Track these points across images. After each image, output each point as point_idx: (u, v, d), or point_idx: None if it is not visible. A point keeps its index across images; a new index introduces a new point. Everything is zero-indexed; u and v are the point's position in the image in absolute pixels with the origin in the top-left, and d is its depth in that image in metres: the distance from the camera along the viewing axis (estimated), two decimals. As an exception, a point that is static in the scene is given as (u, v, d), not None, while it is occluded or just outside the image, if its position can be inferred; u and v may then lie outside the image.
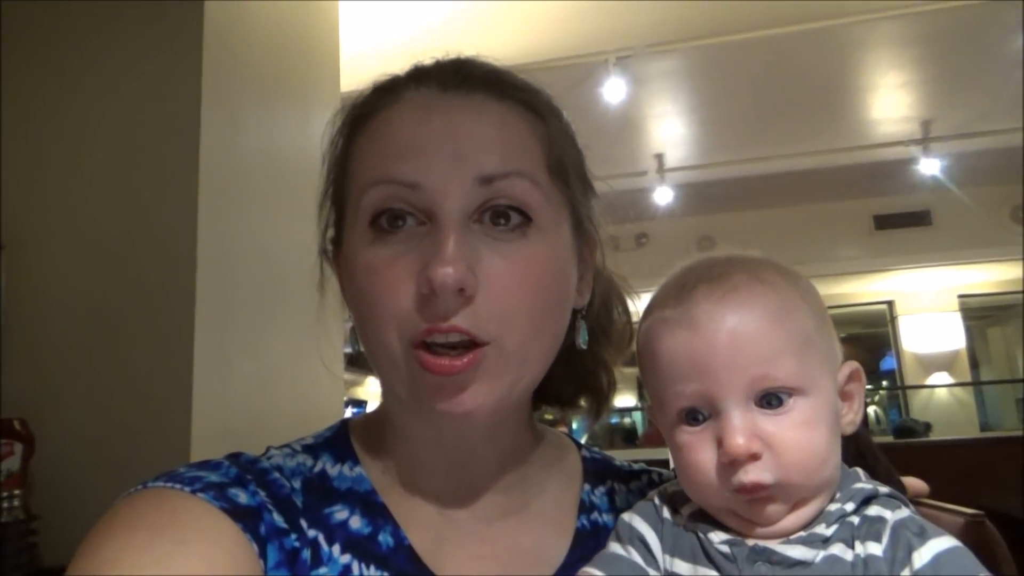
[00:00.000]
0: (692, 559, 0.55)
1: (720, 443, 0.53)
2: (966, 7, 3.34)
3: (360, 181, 0.57)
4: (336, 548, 0.56)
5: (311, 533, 0.56)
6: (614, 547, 0.58)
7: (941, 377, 7.15)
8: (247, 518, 0.52)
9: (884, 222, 6.52)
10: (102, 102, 1.66)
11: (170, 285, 1.52)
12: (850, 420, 0.59)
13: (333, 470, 0.61)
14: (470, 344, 0.53)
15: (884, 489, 0.56)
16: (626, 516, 0.60)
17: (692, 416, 0.56)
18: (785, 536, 0.54)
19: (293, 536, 0.54)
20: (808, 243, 6.20)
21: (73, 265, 1.59)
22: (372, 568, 0.56)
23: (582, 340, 0.65)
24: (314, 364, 1.97)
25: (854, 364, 0.59)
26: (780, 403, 0.54)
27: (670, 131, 5.14)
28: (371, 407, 0.72)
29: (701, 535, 0.56)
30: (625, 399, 9.28)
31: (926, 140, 5.13)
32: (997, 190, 5.99)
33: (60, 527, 1.36)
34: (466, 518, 0.62)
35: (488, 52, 0.64)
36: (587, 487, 0.68)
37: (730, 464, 0.53)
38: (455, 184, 0.54)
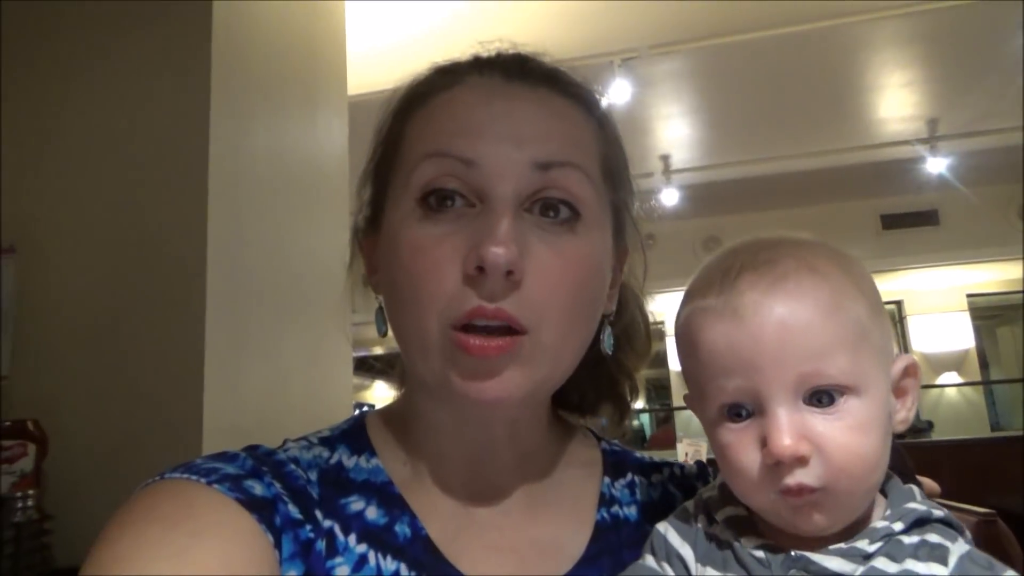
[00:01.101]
0: (723, 567, 0.53)
1: (765, 442, 0.50)
2: (971, 6, 3.33)
3: (413, 155, 0.57)
4: (352, 538, 0.56)
5: (326, 524, 0.56)
6: (649, 561, 0.56)
7: (950, 377, 7.11)
8: (262, 509, 0.52)
9: (891, 222, 6.49)
10: (112, 104, 1.66)
11: (181, 286, 1.53)
12: (903, 418, 0.55)
13: (349, 462, 0.61)
14: (508, 331, 0.53)
15: (939, 512, 0.52)
16: (661, 528, 0.57)
17: (735, 412, 0.52)
18: (823, 543, 0.51)
19: (308, 527, 0.55)
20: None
21: (84, 267, 1.59)
22: (388, 558, 0.56)
23: (607, 345, 0.64)
24: (324, 365, 1.98)
25: (909, 358, 0.55)
26: (831, 402, 0.50)
27: (676, 132, 5.13)
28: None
29: (735, 542, 0.53)
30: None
31: (932, 139, 5.11)
32: (1005, 189, 5.96)
33: (73, 527, 1.37)
34: (484, 510, 0.61)
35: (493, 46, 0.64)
36: (607, 480, 0.67)
37: (775, 465, 0.49)
38: (511, 166, 0.54)
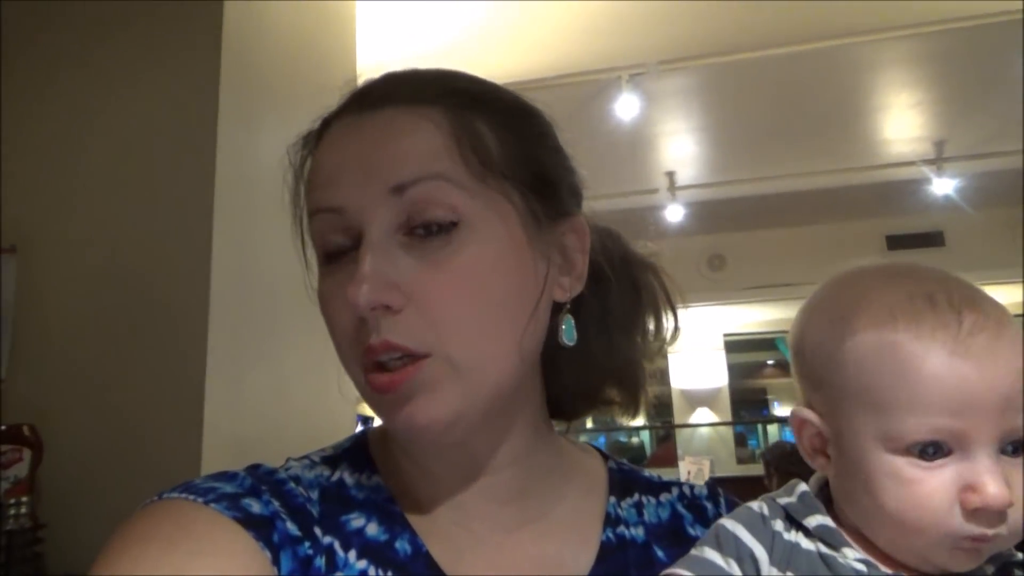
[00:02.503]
0: (811, 573, 0.52)
1: (968, 487, 0.49)
2: (980, 26, 3.32)
3: (308, 215, 0.59)
4: (352, 554, 0.56)
5: (326, 540, 0.56)
6: (711, 555, 0.54)
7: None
8: (260, 527, 0.52)
9: (896, 242, 6.48)
10: (118, 105, 1.66)
11: (183, 292, 1.52)
12: None
13: (351, 479, 0.61)
14: (410, 359, 0.52)
15: (1019, 556, 0.54)
16: (728, 524, 0.56)
17: (926, 450, 0.50)
18: (919, 568, 0.52)
19: (307, 544, 0.54)
20: (820, 263, 6.16)
21: (85, 270, 1.58)
22: (389, 574, 0.55)
23: (567, 336, 0.62)
24: (326, 375, 1.96)
25: None
26: (1015, 452, 0.51)
27: (682, 149, 5.13)
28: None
29: (827, 551, 0.52)
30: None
31: (939, 160, 5.11)
32: (1011, 211, 5.94)
33: (67, 536, 1.35)
34: (484, 528, 0.60)
35: (502, 68, 0.64)
36: (613, 499, 0.66)
37: (973, 512, 0.49)
38: (370, 200, 0.54)
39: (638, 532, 0.64)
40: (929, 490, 0.50)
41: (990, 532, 0.49)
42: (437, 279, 0.53)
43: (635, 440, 9.01)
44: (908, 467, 0.51)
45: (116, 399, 1.50)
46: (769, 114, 4.52)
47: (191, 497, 0.52)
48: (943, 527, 0.49)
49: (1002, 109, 4.34)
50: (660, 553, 0.63)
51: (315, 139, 0.61)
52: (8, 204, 1.62)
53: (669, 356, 7.72)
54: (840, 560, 0.52)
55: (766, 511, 0.56)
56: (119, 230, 1.59)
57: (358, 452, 0.64)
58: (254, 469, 0.59)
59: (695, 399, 7.67)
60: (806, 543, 0.53)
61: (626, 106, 3.90)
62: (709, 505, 0.68)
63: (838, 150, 5.07)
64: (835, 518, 0.55)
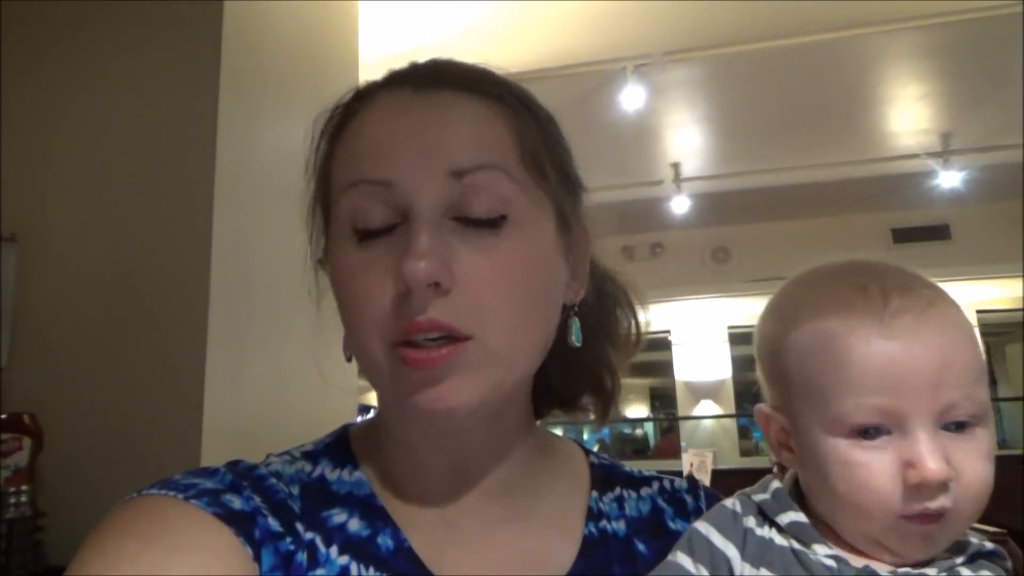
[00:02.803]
0: (783, 569, 0.53)
1: (907, 464, 0.50)
2: (988, 18, 3.30)
3: (338, 185, 0.57)
4: (334, 549, 0.55)
5: (308, 536, 0.55)
6: (683, 560, 0.55)
7: (958, 393, 7.06)
8: (241, 522, 0.51)
9: (902, 235, 6.46)
10: (120, 97, 1.65)
11: (183, 282, 1.51)
12: None
13: (332, 475, 0.61)
14: (450, 339, 0.52)
15: (989, 546, 0.54)
16: (701, 527, 0.56)
17: (866, 431, 0.52)
18: (891, 563, 0.52)
19: (288, 539, 0.54)
20: (824, 256, 6.11)
21: (86, 259, 1.58)
22: (371, 569, 0.55)
23: (575, 338, 0.63)
24: (327, 365, 1.95)
25: None
26: (963, 429, 0.51)
27: (687, 140, 5.11)
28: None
29: (799, 546, 0.53)
30: (637, 410, 9.24)
31: (946, 153, 5.08)
32: (1017, 204, 5.91)
33: (67, 525, 1.35)
34: (468, 522, 0.60)
35: (507, 58, 0.63)
36: (595, 494, 0.66)
37: (915, 488, 0.50)
38: (427, 179, 0.53)
39: (619, 526, 0.64)
40: (873, 470, 0.51)
41: (932, 506, 0.50)
42: (485, 266, 0.53)
43: (639, 432, 9.02)
44: (852, 449, 0.52)
45: (116, 388, 1.50)
46: (775, 106, 4.50)
47: (170, 493, 0.52)
48: (889, 506, 0.51)
49: (1009, 102, 4.31)
50: (641, 547, 0.63)
51: (350, 111, 0.60)
52: (9, 193, 1.62)
53: (673, 348, 7.72)
54: (812, 556, 0.53)
55: (739, 508, 0.57)
56: (120, 220, 1.59)
57: (340, 447, 0.64)
58: (234, 465, 0.59)
59: (699, 391, 7.67)
60: (779, 539, 0.54)
61: (631, 97, 3.88)
62: (689, 499, 0.69)
63: (844, 142, 5.05)
64: (809, 513, 0.56)
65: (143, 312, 1.53)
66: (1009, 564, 0.53)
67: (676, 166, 5.42)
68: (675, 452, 7.01)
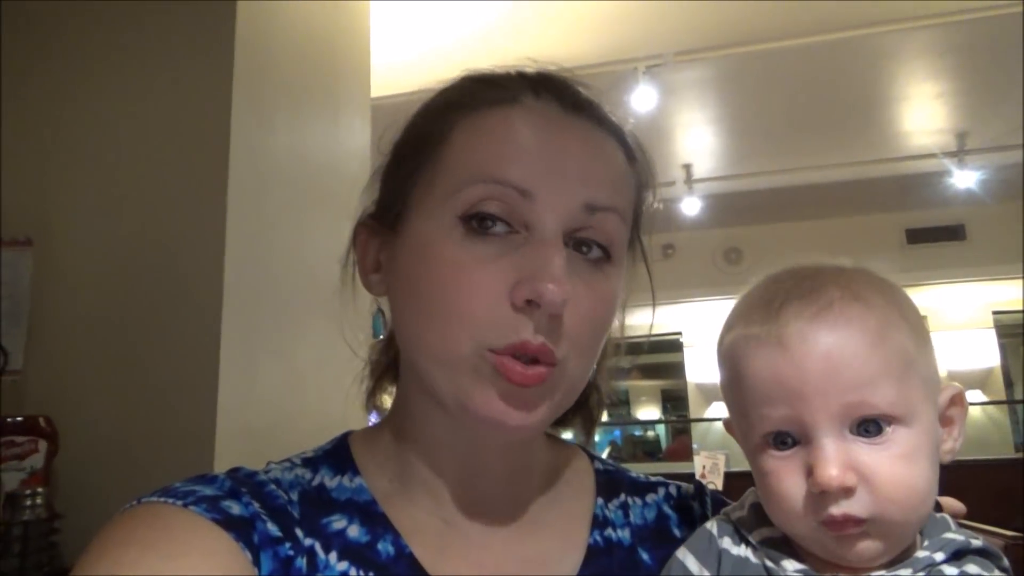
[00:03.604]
0: None
1: (810, 472, 0.50)
2: (1005, 16, 3.27)
3: (461, 172, 0.56)
4: (333, 555, 0.56)
5: (307, 542, 0.56)
6: None
7: (974, 395, 7.00)
8: (240, 527, 0.52)
9: (916, 236, 6.41)
10: (133, 99, 1.66)
11: (197, 285, 1.52)
12: (949, 448, 0.55)
13: (332, 482, 0.61)
14: (540, 361, 0.53)
15: (976, 543, 0.52)
16: (680, 554, 0.57)
17: (780, 440, 0.52)
18: (864, 571, 0.51)
19: (287, 545, 0.54)
20: (838, 257, 6.11)
21: (101, 263, 1.59)
22: (371, 575, 0.56)
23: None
24: (339, 366, 1.96)
25: (956, 387, 0.55)
26: (879, 431, 0.50)
27: (699, 141, 5.09)
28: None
29: (771, 563, 0.53)
30: (649, 411, 9.21)
31: (961, 152, 5.04)
32: (1033, 205, 5.86)
33: (83, 527, 1.35)
34: (472, 529, 0.61)
35: (517, 60, 0.64)
36: (600, 501, 0.66)
37: (820, 495, 0.49)
38: (565, 203, 0.55)
39: (624, 534, 0.64)
40: (782, 478, 0.52)
41: (836, 513, 0.49)
42: (588, 301, 0.56)
43: (651, 434, 8.99)
44: (767, 460, 0.53)
45: (131, 391, 1.51)
46: (787, 106, 4.47)
47: (170, 500, 0.52)
48: (802, 513, 0.51)
49: (1025, 100, 4.27)
50: (645, 556, 0.63)
51: (485, 100, 0.59)
52: (24, 197, 1.63)
53: (685, 350, 7.69)
54: (781, 573, 0.53)
55: (715, 530, 0.57)
56: (134, 223, 1.60)
57: (339, 454, 0.64)
58: (234, 472, 0.59)
59: (711, 393, 7.64)
60: (754, 558, 0.54)
61: (642, 98, 3.87)
62: (695, 505, 0.68)
63: (858, 142, 5.01)
64: None
65: (157, 315, 1.54)
66: (1006, 563, 0.52)
67: (688, 167, 5.40)
68: (687, 454, 6.98)
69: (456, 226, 0.55)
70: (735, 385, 0.55)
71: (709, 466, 4.51)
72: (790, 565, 0.52)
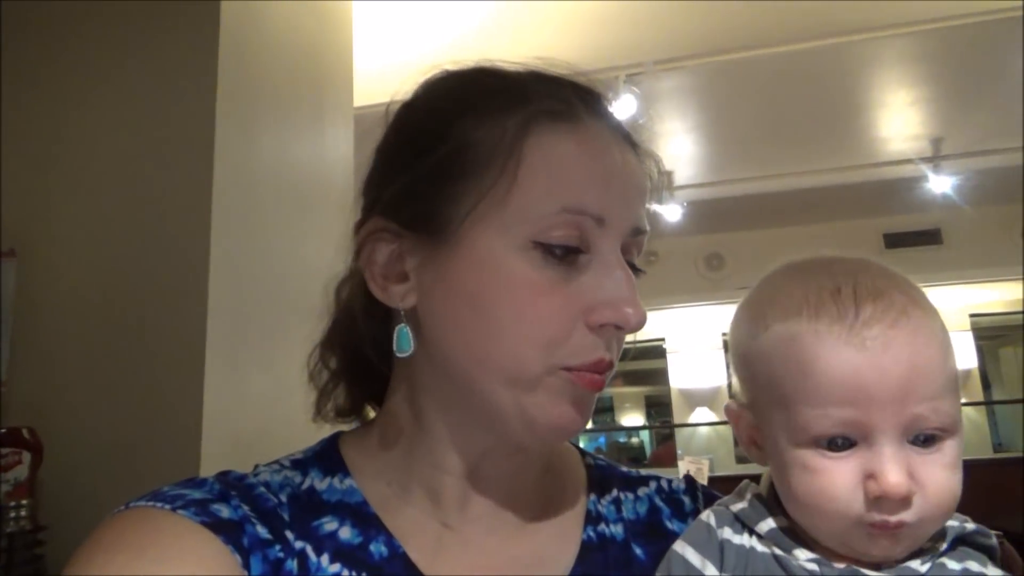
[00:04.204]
0: (767, 574, 0.53)
1: (870, 475, 0.50)
2: (977, 24, 3.33)
3: (540, 196, 0.55)
4: (325, 558, 0.56)
5: (298, 545, 0.56)
6: None
7: (953, 397, 7.08)
8: (229, 530, 0.52)
9: (894, 240, 6.49)
10: (116, 110, 1.66)
11: (182, 295, 1.51)
12: None
13: (322, 483, 0.61)
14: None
15: (971, 526, 0.54)
16: (678, 547, 0.57)
17: (833, 442, 0.51)
18: (876, 564, 0.52)
19: (277, 547, 0.54)
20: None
21: (84, 273, 1.58)
22: None
23: None
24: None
25: None
26: (931, 442, 0.51)
27: (680, 148, 5.13)
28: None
29: (781, 553, 0.53)
30: (633, 418, 9.22)
31: (936, 158, 5.11)
32: (1008, 209, 5.95)
33: (68, 538, 1.34)
34: (469, 529, 0.61)
35: (523, 59, 0.64)
36: (593, 497, 0.67)
37: (875, 500, 0.49)
38: (625, 226, 0.58)
39: (617, 529, 0.65)
40: (834, 479, 0.51)
41: (892, 519, 0.49)
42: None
43: (635, 440, 9.00)
44: (815, 457, 0.51)
45: (116, 402, 1.50)
46: (766, 113, 4.52)
47: (158, 504, 0.52)
48: (849, 515, 0.50)
49: (999, 106, 4.35)
50: (639, 551, 0.63)
51: (550, 112, 0.58)
52: (7, 208, 1.62)
53: (668, 356, 7.72)
54: (793, 562, 0.53)
55: (713, 521, 0.57)
56: (118, 233, 1.59)
57: (329, 456, 0.64)
58: (223, 475, 0.59)
59: (694, 399, 7.67)
60: (760, 547, 0.54)
61: (623, 106, 3.90)
62: (687, 499, 0.69)
63: (835, 148, 5.07)
64: (787, 516, 0.56)
65: (142, 325, 1.53)
66: (993, 539, 0.53)
67: (669, 174, 5.44)
68: (672, 460, 7.01)
69: (530, 248, 0.55)
70: (791, 379, 0.52)
71: (693, 471, 4.52)
72: (802, 554, 0.53)
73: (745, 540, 0.55)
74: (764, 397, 0.55)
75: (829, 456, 0.51)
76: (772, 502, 0.57)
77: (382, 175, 0.63)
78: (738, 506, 0.58)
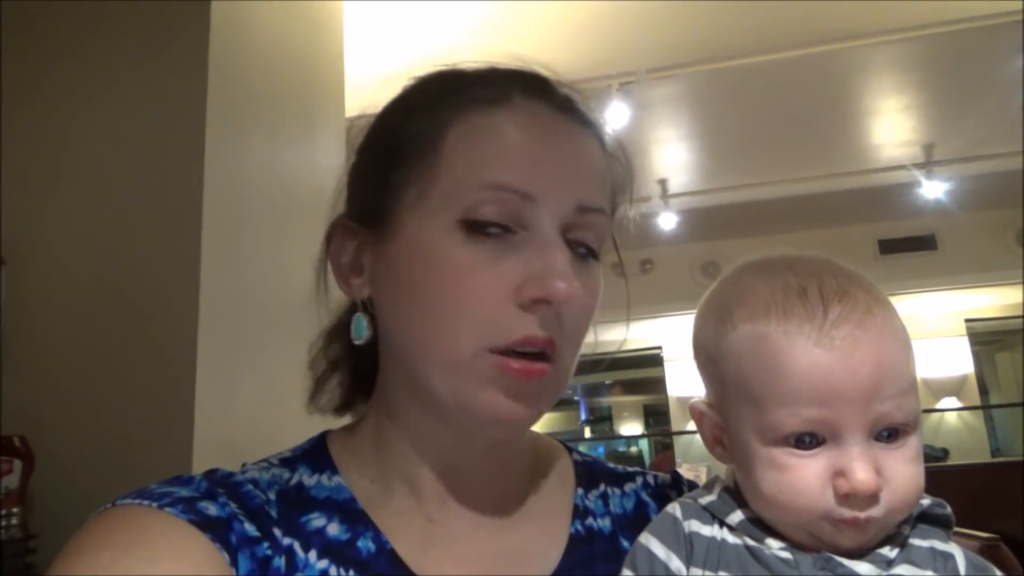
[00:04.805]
0: (740, 568, 0.53)
1: (839, 473, 0.51)
2: (967, 30, 3.35)
3: (461, 176, 0.56)
4: (312, 554, 0.56)
5: (285, 541, 0.56)
6: (626, 573, 0.56)
7: (950, 402, 7.09)
8: (216, 528, 0.52)
9: (889, 246, 6.50)
10: (107, 121, 1.66)
11: (173, 303, 1.51)
12: None
13: (310, 480, 0.61)
14: (543, 357, 0.55)
15: (927, 501, 0.55)
16: (643, 539, 0.57)
17: (801, 440, 0.52)
18: (847, 552, 0.53)
19: (265, 544, 0.54)
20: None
21: (74, 282, 1.58)
22: (352, 572, 0.55)
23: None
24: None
25: None
26: (895, 437, 0.52)
27: (673, 156, 5.15)
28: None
29: (753, 543, 0.54)
30: (631, 427, 9.22)
31: (929, 164, 5.13)
32: (1002, 213, 5.98)
33: (58, 547, 1.33)
34: (454, 523, 0.61)
35: (502, 58, 0.65)
36: (580, 491, 0.67)
37: (844, 497, 0.50)
38: (563, 204, 0.56)
39: (605, 523, 0.65)
40: (803, 476, 0.52)
41: (862, 515, 0.50)
42: (585, 296, 0.57)
43: (634, 449, 8.99)
44: (784, 456, 0.52)
45: (107, 410, 1.50)
46: (759, 120, 4.54)
47: (145, 502, 0.52)
48: (817, 511, 0.51)
49: (992, 112, 4.37)
50: (626, 544, 0.63)
51: (475, 97, 0.59)
52: (-2, 217, 1.62)
53: (666, 364, 7.72)
54: (766, 552, 0.53)
55: (679, 513, 0.57)
56: (108, 241, 1.59)
57: (317, 453, 0.64)
58: (211, 473, 0.59)
59: (692, 406, 7.66)
60: (732, 538, 0.55)
61: (617, 114, 3.91)
62: (673, 494, 0.69)
63: (829, 155, 5.09)
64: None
65: (132, 334, 1.53)
66: (948, 509, 0.55)
67: (663, 182, 5.45)
68: (671, 468, 7.00)
69: (456, 229, 0.55)
70: (761, 379, 0.53)
71: (691, 478, 4.53)
72: (774, 543, 0.53)
73: (715, 532, 0.56)
74: (732, 396, 0.56)
75: (798, 454, 0.52)
76: (740, 495, 0.58)
77: (348, 179, 0.66)
78: (707, 499, 0.58)
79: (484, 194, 0.55)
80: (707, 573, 0.53)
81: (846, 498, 0.50)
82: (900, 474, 0.51)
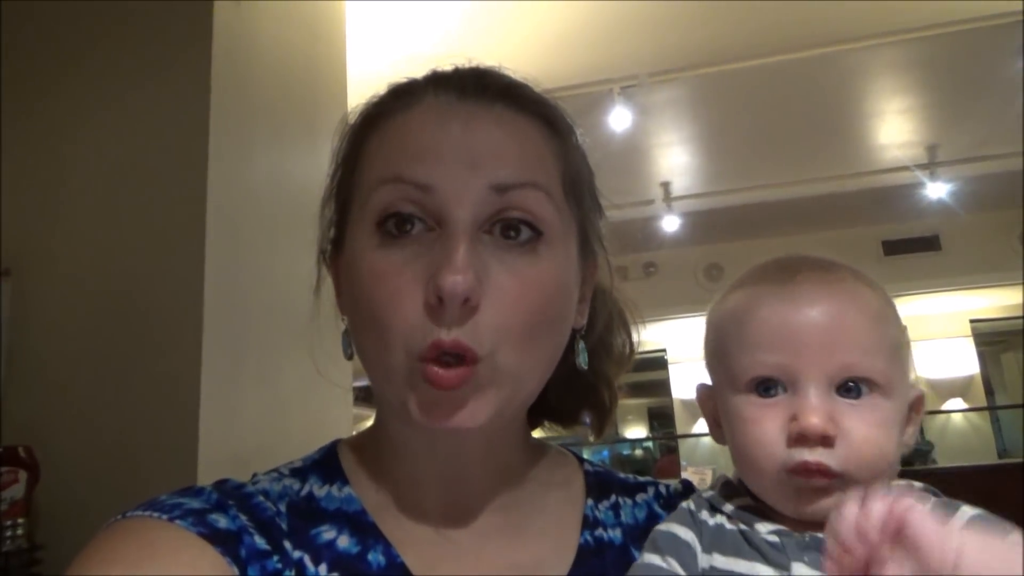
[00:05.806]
0: (735, 552, 0.55)
1: (792, 417, 0.53)
2: (969, 31, 3.34)
3: (370, 179, 0.56)
4: (323, 568, 0.55)
5: (296, 554, 0.55)
6: (651, 559, 0.57)
7: (956, 403, 7.06)
8: (227, 541, 0.51)
9: (893, 248, 6.48)
10: (109, 127, 1.67)
11: (177, 312, 1.52)
12: (905, 441, 0.59)
13: (321, 491, 0.61)
14: (464, 359, 0.52)
15: (918, 485, 0.57)
16: (663, 526, 0.59)
17: (765, 388, 0.55)
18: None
19: (275, 558, 0.54)
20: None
21: (79, 292, 1.59)
22: None
23: (582, 360, 0.64)
24: (323, 392, 1.96)
25: (920, 391, 0.59)
26: (859, 394, 0.54)
27: (676, 159, 5.15)
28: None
29: (746, 527, 0.56)
30: (636, 431, 9.20)
31: (932, 165, 5.12)
32: (1006, 214, 5.95)
33: (64, 557, 1.33)
34: (463, 536, 0.60)
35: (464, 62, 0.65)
36: (590, 502, 0.66)
37: (797, 439, 0.53)
38: (469, 190, 0.53)
39: (616, 534, 0.64)
40: (763, 423, 0.55)
41: (811, 459, 0.52)
42: (513, 287, 0.53)
43: (638, 452, 8.96)
44: (749, 405, 0.56)
45: (112, 420, 1.50)
46: (762, 123, 4.53)
47: (155, 514, 0.52)
48: (776, 458, 0.54)
49: (993, 112, 4.36)
50: (637, 554, 0.62)
51: (388, 107, 0.59)
52: (3, 228, 1.62)
53: (670, 367, 7.70)
54: (757, 535, 0.55)
55: (692, 506, 0.60)
56: (112, 251, 1.59)
57: (328, 463, 0.64)
58: (221, 484, 0.59)
59: (696, 409, 7.63)
60: (729, 524, 0.57)
61: (619, 118, 3.91)
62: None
63: (832, 157, 5.08)
64: (755, 498, 0.59)
65: (138, 344, 1.53)
66: (926, 487, 0.56)
67: (666, 185, 5.45)
68: (676, 472, 6.98)
69: (373, 235, 0.55)
70: (733, 335, 0.58)
71: (697, 481, 4.52)
72: (763, 527, 0.55)
73: (717, 519, 0.58)
74: (713, 360, 0.60)
75: (759, 403, 0.56)
76: (738, 485, 0.60)
77: (321, 205, 0.67)
78: (710, 493, 0.61)
79: (385, 191, 0.54)
80: (715, 555, 0.55)
81: (797, 441, 0.53)
82: (859, 431, 0.53)
